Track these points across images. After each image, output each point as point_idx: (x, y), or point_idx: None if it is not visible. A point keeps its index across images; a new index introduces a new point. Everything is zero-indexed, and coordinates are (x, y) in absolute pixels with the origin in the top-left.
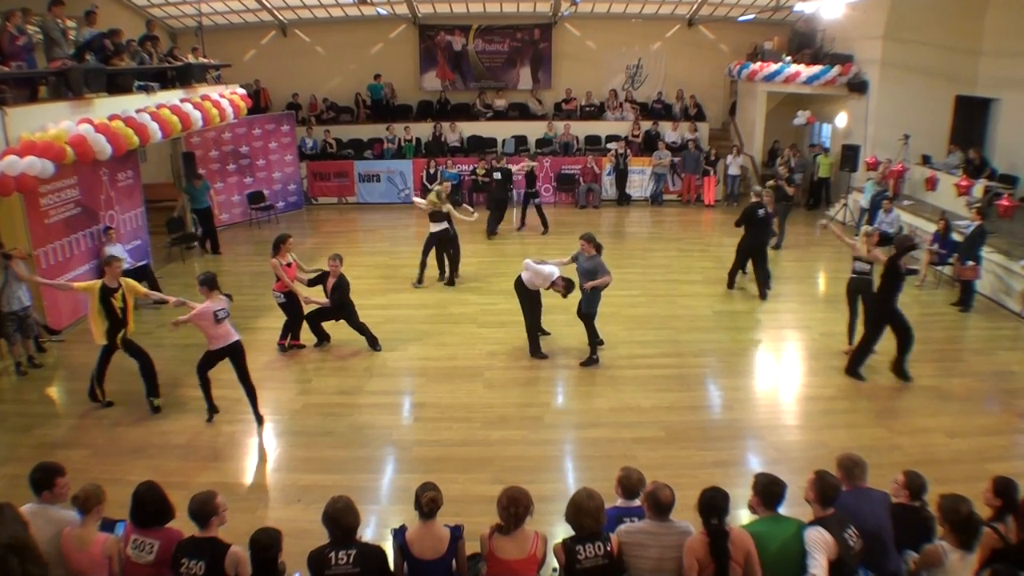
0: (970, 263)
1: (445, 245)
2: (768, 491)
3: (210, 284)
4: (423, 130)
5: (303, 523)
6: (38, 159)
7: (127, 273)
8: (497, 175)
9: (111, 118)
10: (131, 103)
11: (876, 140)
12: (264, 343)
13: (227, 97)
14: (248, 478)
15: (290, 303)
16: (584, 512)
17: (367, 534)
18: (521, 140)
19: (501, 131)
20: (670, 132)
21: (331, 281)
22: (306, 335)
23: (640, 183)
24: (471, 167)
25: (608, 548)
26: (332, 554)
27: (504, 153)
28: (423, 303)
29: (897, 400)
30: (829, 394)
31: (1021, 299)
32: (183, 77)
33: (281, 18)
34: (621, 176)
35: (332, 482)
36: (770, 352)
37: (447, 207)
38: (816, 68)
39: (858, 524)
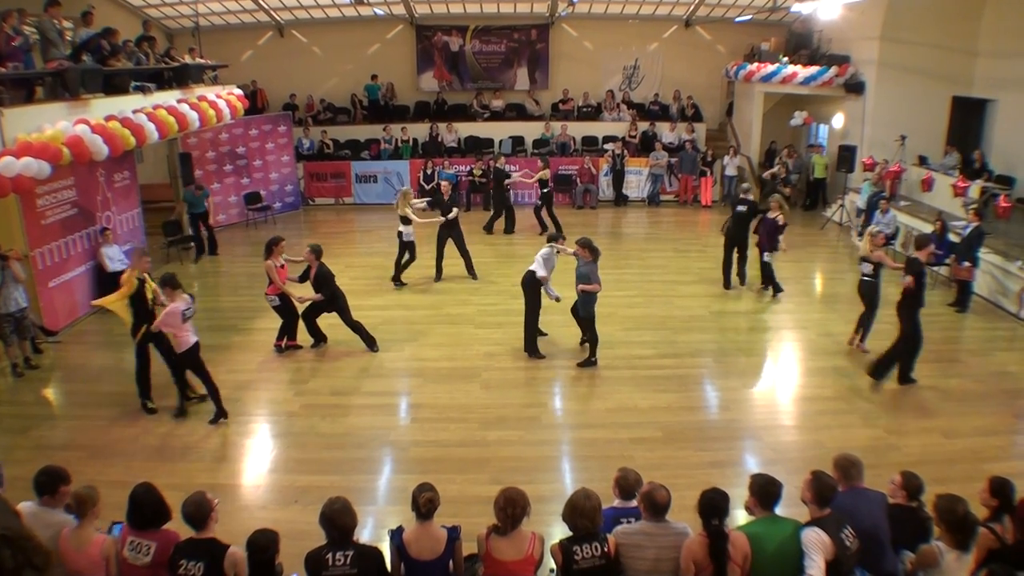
0: (966, 264)
1: (409, 247)
2: (765, 491)
3: (172, 284)
4: (420, 131)
5: (300, 524)
6: (34, 160)
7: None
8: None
9: (108, 119)
10: (128, 104)
11: (873, 141)
12: (261, 344)
13: (224, 98)
14: (245, 479)
15: (284, 305)
16: (581, 512)
17: (364, 535)
18: (518, 141)
19: (498, 132)
20: (667, 133)
21: (312, 273)
22: (303, 336)
23: (637, 184)
24: (468, 167)
25: (605, 549)
26: (329, 555)
27: (502, 153)
28: (420, 304)
29: (894, 400)
30: (826, 394)
31: (1018, 300)
32: (180, 78)
33: (278, 18)
34: (618, 177)
35: (329, 483)
36: (767, 352)
37: (405, 210)
38: (813, 69)
39: (855, 525)
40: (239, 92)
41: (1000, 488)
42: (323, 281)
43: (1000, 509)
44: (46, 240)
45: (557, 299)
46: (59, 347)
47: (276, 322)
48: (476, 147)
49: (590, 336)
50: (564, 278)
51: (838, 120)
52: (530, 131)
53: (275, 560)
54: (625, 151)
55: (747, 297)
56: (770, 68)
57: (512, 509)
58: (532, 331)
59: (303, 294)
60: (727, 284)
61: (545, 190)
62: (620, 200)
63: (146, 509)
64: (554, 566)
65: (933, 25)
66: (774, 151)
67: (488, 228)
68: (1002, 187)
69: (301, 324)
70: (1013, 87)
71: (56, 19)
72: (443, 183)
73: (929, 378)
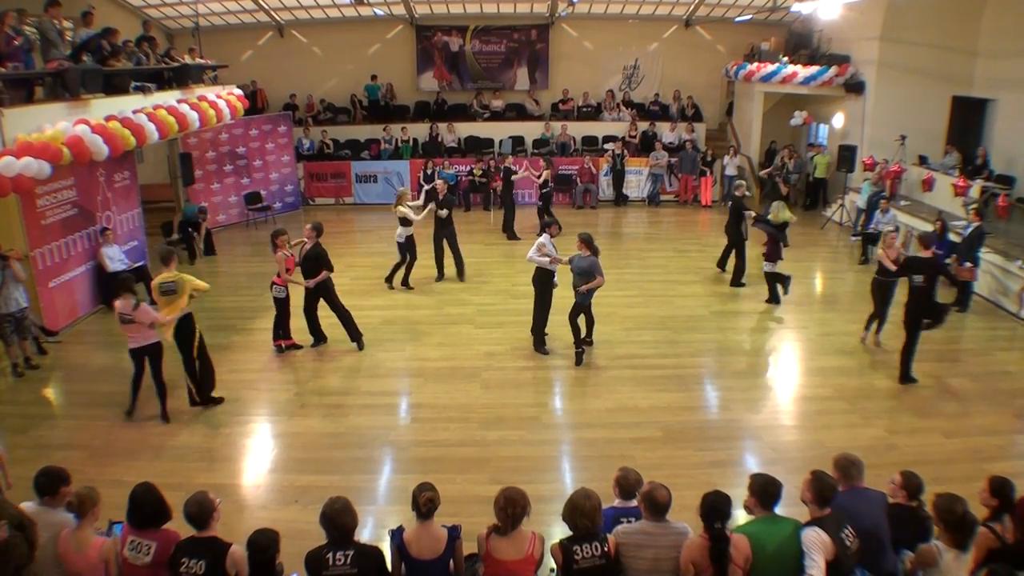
0: (967, 264)
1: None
2: (764, 491)
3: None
4: (420, 131)
5: (301, 524)
6: (35, 160)
7: (123, 274)
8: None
9: (108, 119)
10: (128, 104)
11: (873, 141)
12: (261, 344)
13: (224, 98)
14: (245, 479)
15: (287, 299)
16: (581, 512)
17: (364, 535)
18: (518, 141)
19: (498, 132)
20: (667, 133)
21: (306, 248)
22: (303, 336)
23: (637, 184)
24: (468, 167)
25: (605, 548)
26: (330, 555)
27: (503, 153)
28: (420, 304)
29: (894, 400)
30: (826, 394)
31: (1018, 300)
32: (180, 78)
33: (278, 19)
34: (618, 177)
35: (329, 483)
36: (767, 352)
37: (403, 211)
38: (813, 69)
39: (855, 524)
40: (239, 92)
41: (1000, 488)
42: (314, 259)
43: (1000, 509)
44: (46, 240)
45: (562, 261)
46: (59, 347)
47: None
48: (476, 147)
49: (572, 324)
50: (563, 277)
51: (838, 120)
52: (530, 131)
53: (275, 560)
54: (625, 151)
55: (747, 297)
56: (770, 68)
57: (512, 509)
58: (540, 327)
59: (307, 282)
60: (722, 265)
61: (545, 190)
62: (620, 200)
63: (146, 509)
64: (554, 566)
65: (933, 25)
66: (774, 151)
67: (508, 230)
68: (1002, 187)
69: (300, 324)
70: (1013, 87)
71: (56, 19)
72: (438, 182)
73: (929, 378)
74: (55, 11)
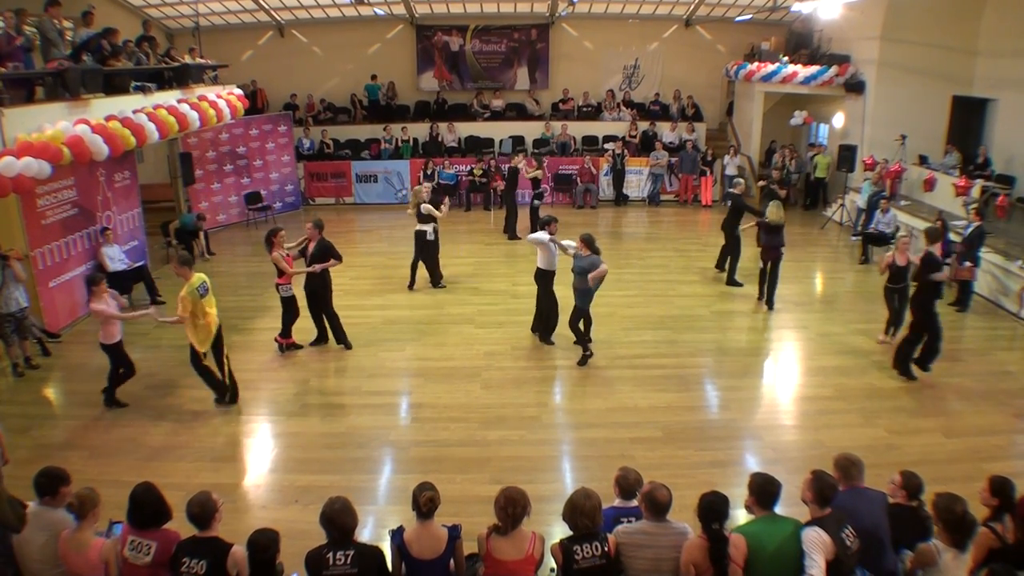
0: (967, 264)
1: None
2: (764, 491)
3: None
4: (420, 130)
5: (301, 524)
6: (35, 160)
7: (124, 273)
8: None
9: (108, 119)
10: (128, 104)
11: (873, 140)
12: (261, 343)
13: (224, 97)
14: (245, 479)
15: (294, 297)
16: (581, 512)
17: (365, 535)
18: (518, 140)
19: (498, 131)
20: (667, 132)
21: (311, 246)
22: (303, 335)
23: (637, 183)
24: (468, 167)
25: (605, 548)
26: (330, 555)
27: (503, 153)
28: (421, 304)
29: (894, 400)
30: (826, 394)
31: (1018, 299)
32: (180, 78)
33: (278, 18)
34: (618, 176)
35: (329, 483)
36: (767, 352)
37: (428, 208)
38: (813, 68)
39: (855, 524)
40: (239, 92)
41: (1000, 487)
42: (324, 252)
43: (1001, 508)
44: (46, 240)
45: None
46: (59, 347)
47: (277, 321)
48: (476, 147)
49: (575, 330)
50: (562, 277)
51: (838, 120)
52: (530, 131)
53: (275, 559)
54: (625, 151)
55: (747, 297)
56: (770, 68)
57: (512, 508)
58: (546, 320)
59: (314, 266)
60: (720, 266)
61: (537, 190)
62: (620, 200)
63: (146, 508)
64: (554, 566)
65: (933, 25)
66: (774, 151)
67: (509, 230)
68: (1002, 187)
69: (300, 324)
70: (1013, 86)
71: (56, 19)
72: (423, 184)
73: (929, 377)
74: (55, 11)
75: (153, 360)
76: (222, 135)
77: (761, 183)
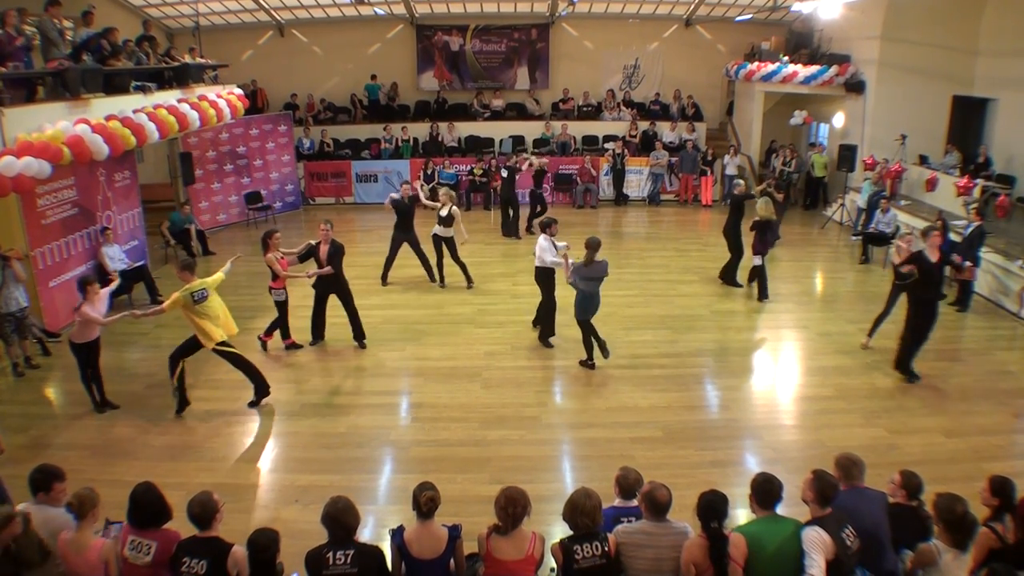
0: (967, 264)
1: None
2: (764, 491)
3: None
4: (420, 130)
5: (301, 523)
6: (35, 160)
7: (124, 273)
8: (504, 173)
9: (108, 118)
10: (128, 103)
11: (873, 140)
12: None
13: (224, 97)
14: (245, 478)
15: (287, 301)
16: (581, 511)
17: (365, 534)
18: (519, 140)
19: (498, 131)
20: (667, 132)
21: (324, 248)
22: (303, 335)
23: (637, 183)
24: (468, 167)
25: (606, 548)
26: (330, 554)
27: (503, 153)
28: (421, 303)
29: (894, 400)
30: (826, 394)
31: (1018, 299)
32: (180, 77)
33: (278, 18)
34: (618, 176)
35: (329, 482)
36: (767, 352)
37: (455, 210)
38: (813, 68)
39: (855, 524)
40: (239, 92)
41: (1001, 487)
42: (337, 255)
43: (1001, 508)
44: (47, 240)
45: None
46: (59, 347)
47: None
48: (476, 147)
49: (585, 340)
50: (562, 277)
51: (838, 119)
52: (530, 131)
53: (275, 559)
54: (625, 150)
55: (747, 296)
56: (770, 67)
57: (513, 508)
58: (548, 321)
59: (309, 271)
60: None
61: (538, 191)
62: (620, 199)
63: (146, 508)
64: (554, 565)
65: (933, 24)
66: (774, 150)
67: (511, 230)
68: (1002, 186)
69: (300, 324)
70: (1013, 86)
71: (56, 19)
72: (404, 187)
73: (930, 377)
74: (55, 10)
75: (153, 360)
76: (222, 135)
77: (759, 188)
